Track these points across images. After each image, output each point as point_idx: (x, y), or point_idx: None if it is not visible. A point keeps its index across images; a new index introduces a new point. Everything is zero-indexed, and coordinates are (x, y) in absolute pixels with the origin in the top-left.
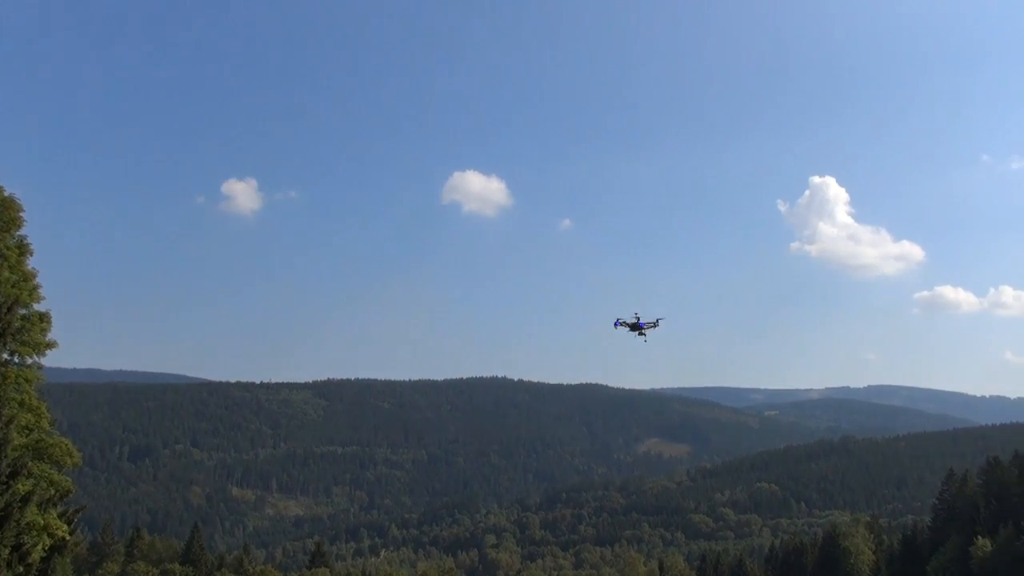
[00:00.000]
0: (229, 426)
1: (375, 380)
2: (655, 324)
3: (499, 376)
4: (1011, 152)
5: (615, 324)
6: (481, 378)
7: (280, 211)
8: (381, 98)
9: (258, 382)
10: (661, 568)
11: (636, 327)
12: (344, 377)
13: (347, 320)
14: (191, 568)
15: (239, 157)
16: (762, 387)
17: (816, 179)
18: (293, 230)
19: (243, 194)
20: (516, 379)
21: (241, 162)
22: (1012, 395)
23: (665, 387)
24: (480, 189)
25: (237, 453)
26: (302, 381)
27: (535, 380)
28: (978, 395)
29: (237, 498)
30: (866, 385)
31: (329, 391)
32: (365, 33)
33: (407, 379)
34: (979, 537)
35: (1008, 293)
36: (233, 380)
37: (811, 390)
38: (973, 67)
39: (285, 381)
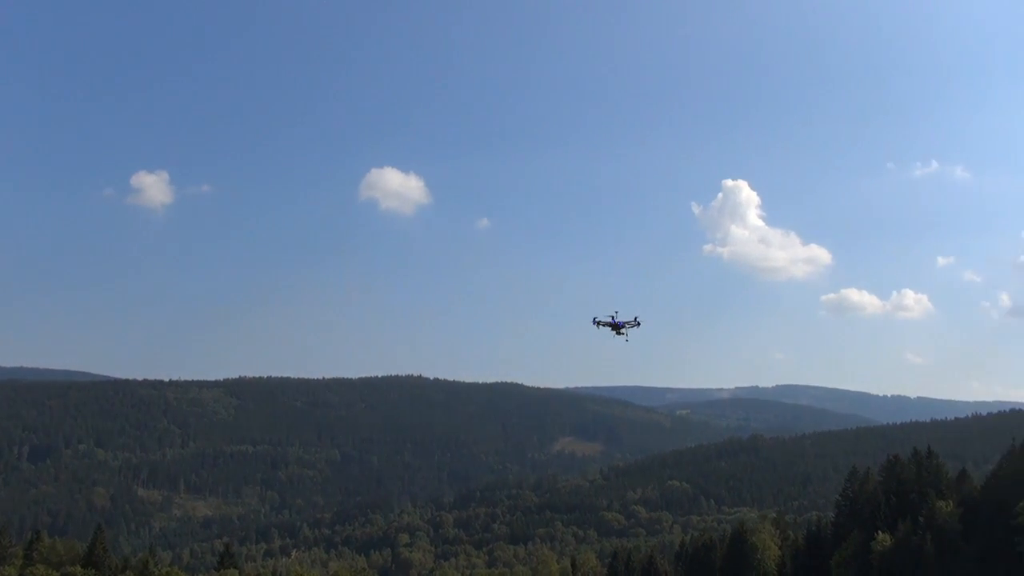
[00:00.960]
0: (135, 425)
1: (288, 378)
2: (636, 323)
3: (415, 375)
4: (914, 160)
5: (594, 322)
6: (396, 376)
7: (192, 205)
8: (299, 92)
9: (166, 380)
10: (573, 566)
11: (615, 326)
12: (256, 375)
13: (260, 318)
14: (94, 571)
15: (150, 149)
16: (675, 386)
17: (729, 182)
18: (205, 224)
19: (153, 187)
20: (432, 378)
21: (152, 154)
22: (912, 395)
23: (580, 386)
24: (398, 186)
25: (143, 453)
26: (212, 379)
27: (451, 379)
28: (880, 395)
29: (143, 499)
30: (775, 385)
31: (240, 389)
32: (281, 26)
33: (320, 377)
34: (880, 532)
35: (910, 296)
36: (140, 378)
37: (722, 389)
38: (880, 78)
39: (195, 379)
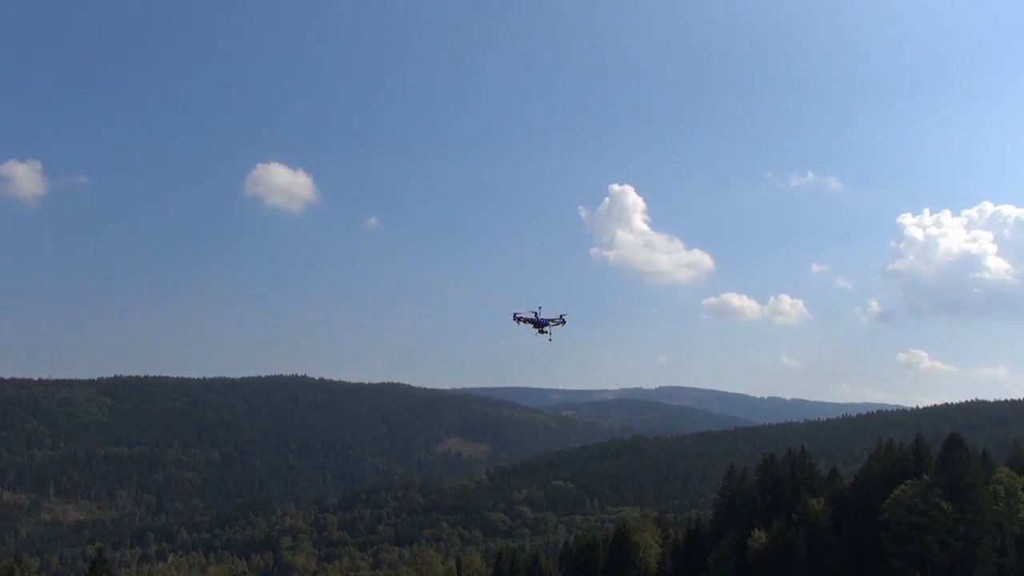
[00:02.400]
0: (1, 426)
1: (166, 378)
2: (560, 322)
3: (299, 375)
4: (791, 170)
5: (514, 318)
6: (280, 376)
7: (67, 197)
8: (183, 81)
9: (36, 379)
10: (458, 566)
11: (538, 324)
12: (132, 374)
13: (137, 314)
14: None
15: (22, 136)
16: (560, 387)
17: (616, 187)
18: (80, 217)
19: (24, 176)
20: (316, 378)
21: (24, 142)
22: (787, 396)
23: (466, 387)
24: (285, 183)
25: (9, 455)
26: (86, 378)
27: (336, 379)
28: (758, 396)
29: (9, 503)
30: (658, 386)
31: (115, 389)
32: (166, 11)
33: (201, 377)
34: (756, 529)
35: (786, 301)
36: (7, 376)
37: (607, 391)
38: (760, 91)
39: (66, 378)
